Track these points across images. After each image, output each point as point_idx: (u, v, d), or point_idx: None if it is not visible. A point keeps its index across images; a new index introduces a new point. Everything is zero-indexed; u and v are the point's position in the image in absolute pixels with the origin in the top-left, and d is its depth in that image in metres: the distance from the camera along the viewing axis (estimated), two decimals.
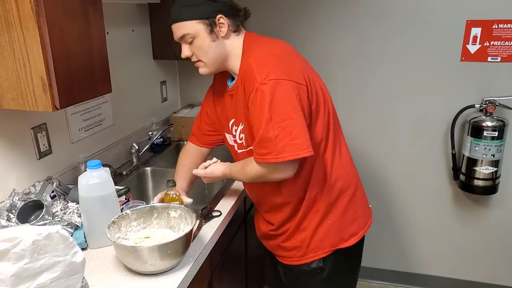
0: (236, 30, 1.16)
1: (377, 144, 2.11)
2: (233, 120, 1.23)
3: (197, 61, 1.18)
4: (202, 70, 1.19)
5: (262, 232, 1.36)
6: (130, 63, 1.80)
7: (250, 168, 1.13)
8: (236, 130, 1.23)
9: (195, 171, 1.32)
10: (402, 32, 1.91)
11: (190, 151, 1.43)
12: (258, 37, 1.20)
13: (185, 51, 1.17)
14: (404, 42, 1.92)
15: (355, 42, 1.97)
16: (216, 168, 1.28)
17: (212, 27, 1.11)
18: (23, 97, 0.99)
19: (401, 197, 2.17)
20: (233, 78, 1.21)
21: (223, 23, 1.12)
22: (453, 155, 1.97)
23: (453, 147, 1.96)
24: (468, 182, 1.94)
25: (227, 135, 1.30)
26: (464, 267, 2.19)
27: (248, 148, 1.20)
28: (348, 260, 1.28)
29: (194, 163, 1.39)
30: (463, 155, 1.93)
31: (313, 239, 1.20)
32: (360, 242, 1.27)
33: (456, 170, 1.99)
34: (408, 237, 2.23)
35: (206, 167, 1.31)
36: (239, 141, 1.23)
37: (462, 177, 1.96)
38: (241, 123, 1.19)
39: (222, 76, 1.27)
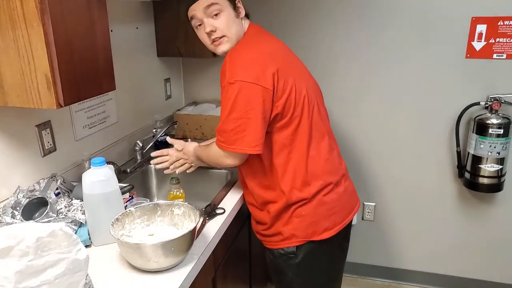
0: (247, 16, 1.27)
1: (382, 141, 2.10)
2: None
3: (220, 37, 1.22)
4: (224, 47, 1.23)
5: (253, 227, 1.46)
6: (134, 61, 1.81)
7: (211, 150, 1.28)
8: None
9: (169, 140, 1.49)
10: (406, 30, 1.89)
11: None
12: (258, 31, 1.29)
13: (208, 27, 1.20)
14: (408, 39, 1.90)
15: (360, 40, 1.96)
16: (189, 144, 1.44)
17: (235, 5, 1.23)
18: (27, 94, 1.00)
19: (405, 195, 2.16)
20: None
21: (240, 6, 1.25)
22: (458, 153, 1.96)
23: (458, 145, 1.95)
24: (473, 180, 1.93)
25: None
26: (469, 265, 2.18)
27: None
28: (323, 250, 1.31)
29: None
30: (468, 152, 1.92)
31: (287, 228, 1.27)
32: (339, 235, 1.30)
33: (461, 167, 1.98)
34: (412, 235, 2.22)
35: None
36: None
37: (467, 175, 1.95)
38: None
39: None
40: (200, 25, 1.23)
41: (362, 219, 2.26)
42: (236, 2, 1.23)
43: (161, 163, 1.48)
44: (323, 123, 1.31)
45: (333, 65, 2.03)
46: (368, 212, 2.24)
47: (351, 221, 1.36)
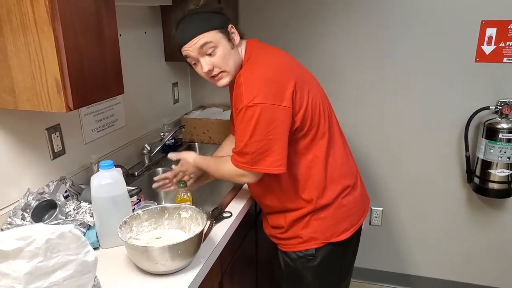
0: (242, 37, 1.24)
1: (389, 146, 2.09)
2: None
3: (218, 73, 1.20)
4: (224, 81, 1.22)
5: (265, 229, 1.45)
6: (143, 65, 1.82)
7: (224, 166, 1.25)
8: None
9: (170, 155, 1.48)
10: (415, 32, 1.89)
11: (229, 137, 1.58)
12: (258, 46, 1.26)
13: (206, 66, 1.18)
14: (417, 42, 1.90)
15: (368, 43, 1.96)
16: (188, 154, 1.43)
17: (228, 35, 1.18)
18: (38, 98, 1.01)
19: (413, 200, 2.14)
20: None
21: (234, 32, 1.20)
22: (467, 158, 1.94)
23: (467, 149, 1.93)
24: (482, 185, 1.90)
25: None
26: (478, 271, 2.15)
27: None
28: (340, 252, 1.33)
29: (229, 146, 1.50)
30: (478, 157, 1.90)
31: (306, 231, 1.27)
32: (354, 236, 1.33)
33: (470, 172, 1.96)
34: (420, 240, 2.20)
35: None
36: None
37: (476, 180, 1.93)
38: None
39: None
40: (195, 63, 1.21)
41: (370, 224, 2.25)
42: (229, 29, 1.18)
43: (164, 186, 1.52)
44: (336, 127, 1.31)
45: (340, 69, 2.03)
46: (376, 217, 2.22)
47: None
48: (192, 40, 1.15)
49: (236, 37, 1.21)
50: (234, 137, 1.44)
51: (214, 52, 1.16)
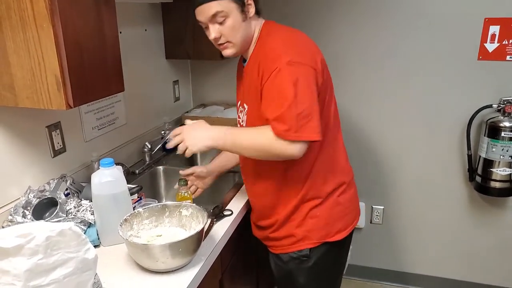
0: (258, 13, 1.19)
1: (391, 143, 2.08)
2: (239, 102, 1.30)
3: (224, 43, 1.16)
4: (229, 52, 1.17)
5: (254, 224, 1.39)
6: (143, 63, 1.82)
7: (263, 134, 1.09)
8: (241, 112, 1.28)
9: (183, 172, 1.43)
10: (417, 30, 1.87)
11: None
12: (277, 25, 1.21)
13: (213, 33, 1.13)
14: (419, 40, 1.89)
15: (370, 40, 1.95)
16: (205, 125, 1.20)
17: (242, 6, 1.13)
18: (37, 95, 1.01)
19: (414, 198, 2.13)
20: (244, 61, 1.24)
21: (251, 4, 1.15)
22: (469, 156, 1.93)
23: (469, 148, 1.92)
24: (484, 184, 1.90)
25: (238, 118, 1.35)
26: (479, 270, 2.15)
27: None
28: (335, 252, 1.29)
29: None
30: (480, 156, 1.89)
31: (301, 229, 1.23)
32: (348, 238, 1.30)
33: (472, 171, 1.95)
34: (421, 239, 2.19)
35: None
36: (242, 123, 1.27)
37: (478, 179, 1.92)
38: (245, 105, 1.23)
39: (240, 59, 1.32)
40: (206, 28, 1.17)
41: (371, 222, 2.24)
42: (246, 1, 1.14)
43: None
44: (338, 119, 1.28)
45: (342, 64, 2.01)
46: (377, 215, 2.22)
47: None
48: (205, 4, 1.10)
49: (252, 9, 1.15)
50: None
51: (224, 22, 1.12)
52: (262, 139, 1.10)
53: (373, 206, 2.20)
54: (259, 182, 1.27)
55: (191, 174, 1.45)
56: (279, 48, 1.09)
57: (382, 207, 2.20)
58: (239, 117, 1.32)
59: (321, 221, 1.23)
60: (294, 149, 1.06)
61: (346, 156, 1.32)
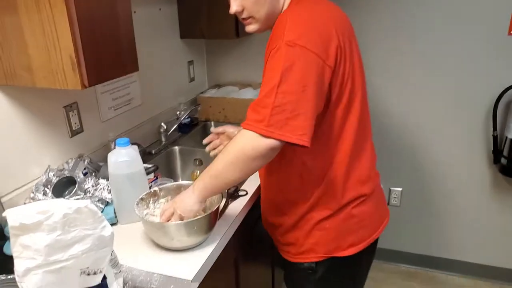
0: None
1: (411, 123, 2.03)
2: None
3: (247, 18, 1.04)
4: (251, 27, 1.06)
5: (263, 216, 1.27)
6: (157, 43, 1.81)
7: (230, 143, 0.95)
8: None
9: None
10: (444, 3, 1.78)
11: None
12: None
13: (235, 6, 1.03)
14: (446, 13, 1.79)
15: (395, 14, 1.87)
16: (182, 195, 1.04)
17: None
18: (53, 75, 1.02)
19: (434, 180, 2.09)
20: None
21: None
22: (494, 137, 1.87)
23: (494, 129, 1.85)
24: (510, 166, 1.83)
25: None
26: (503, 255, 2.11)
27: None
28: (345, 268, 1.14)
29: None
30: (506, 137, 1.82)
31: (307, 241, 1.10)
32: (364, 252, 1.12)
33: (496, 153, 1.89)
34: (440, 222, 2.16)
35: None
36: None
37: (503, 161, 1.86)
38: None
39: None
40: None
41: (388, 204, 2.22)
42: None
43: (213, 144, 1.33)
44: (368, 120, 1.11)
45: (364, 41, 1.95)
46: (395, 197, 2.19)
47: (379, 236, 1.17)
48: None
49: None
50: None
51: None
52: (232, 148, 0.93)
53: (391, 188, 2.18)
54: (271, 176, 1.14)
55: (222, 133, 1.31)
56: (287, 24, 0.93)
57: (401, 189, 2.17)
58: None
59: (330, 234, 1.08)
60: (263, 145, 0.88)
61: (372, 165, 1.14)
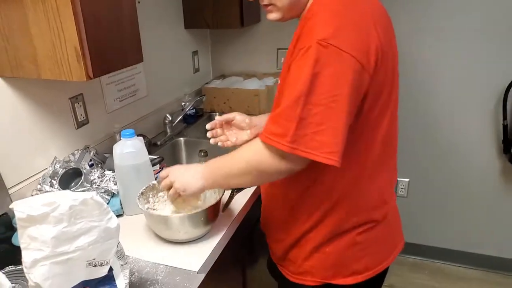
0: None
1: (418, 112, 2.00)
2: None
3: (268, 5, 0.91)
4: (272, 16, 0.92)
5: (264, 228, 1.16)
6: (162, 33, 1.80)
7: (247, 150, 0.87)
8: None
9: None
10: None
11: None
12: None
13: None
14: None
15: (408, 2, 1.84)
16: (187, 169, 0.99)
17: None
18: (58, 67, 1.01)
19: (442, 171, 2.07)
20: None
21: None
22: (504, 127, 1.84)
23: (504, 118, 1.82)
24: None
25: None
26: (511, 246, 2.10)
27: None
28: None
29: None
30: None
31: (305, 262, 0.99)
32: (368, 282, 0.99)
33: (507, 142, 1.86)
34: (448, 213, 2.15)
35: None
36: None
37: None
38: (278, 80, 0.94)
39: None
40: None
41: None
42: None
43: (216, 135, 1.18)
44: (395, 134, 0.95)
45: None
46: (402, 188, 2.18)
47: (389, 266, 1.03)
48: None
49: None
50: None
51: None
52: (248, 158, 0.85)
53: (398, 179, 2.16)
54: (276, 188, 1.02)
55: (231, 120, 1.16)
56: (318, 18, 0.78)
57: (408, 180, 2.16)
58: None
59: (330, 259, 0.97)
60: (283, 163, 0.80)
61: (391, 187, 1.01)
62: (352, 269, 0.97)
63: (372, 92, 0.82)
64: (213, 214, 1.06)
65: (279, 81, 0.92)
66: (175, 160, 1.78)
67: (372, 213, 0.95)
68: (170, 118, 1.76)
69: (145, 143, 1.23)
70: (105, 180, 1.20)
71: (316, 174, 0.89)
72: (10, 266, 0.91)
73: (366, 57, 0.77)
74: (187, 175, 0.98)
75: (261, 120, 1.17)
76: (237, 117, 1.16)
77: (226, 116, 1.16)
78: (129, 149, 1.13)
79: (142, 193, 1.10)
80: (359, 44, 0.77)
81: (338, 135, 0.76)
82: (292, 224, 0.99)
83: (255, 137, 1.11)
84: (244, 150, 0.88)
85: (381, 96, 0.85)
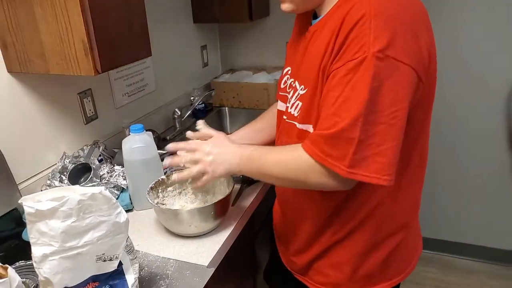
0: None
1: None
2: (288, 74, 0.93)
3: None
4: (284, 6, 0.84)
5: (283, 243, 1.07)
6: (171, 28, 1.78)
7: (294, 160, 0.80)
8: (290, 92, 0.89)
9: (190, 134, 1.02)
10: None
11: (274, 105, 1.12)
12: None
13: None
14: None
15: None
16: (230, 141, 0.93)
17: None
18: (66, 61, 1.01)
19: (450, 164, 2.04)
20: (316, 17, 0.85)
21: None
22: None
23: None
24: None
25: (280, 93, 0.97)
26: None
27: (301, 126, 0.84)
28: None
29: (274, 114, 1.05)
30: None
31: (333, 273, 0.94)
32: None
33: None
34: (455, 206, 2.12)
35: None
36: (290, 110, 0.88)
37: None
38: (298, 84, 0.85)
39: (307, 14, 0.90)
40: None
41: None
42: None
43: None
44: (425, 156, 0.91)
45: None
46: None
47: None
48: None
49: None
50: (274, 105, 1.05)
51: None
52: (294, 168, 0.80)
53: None
54: (305, 202, 0.93)
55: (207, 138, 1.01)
56: (373, 23, 0.68)
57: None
58: (285, 99, 0.92)
59: (361, 269, 0.92)
60: (336, 184, 0.76)
61: (420, 191, 0.96)
62: (383, 277, 0.93)
63: (422, 100, 0.77)
64: (223, 208, 1.05)
65: (300, 87, 0.83)
66: None
67: (405, 219, 0.91)
68: (179, 113, 1.76)
69: (154, 138, 1.22)
70: (114, 175, 1.20)
71: (352, 189, 0.81)
72: (20, 261, 0.92)
73: (422, 65, 0.72)
74: (225, 156, 0.89)
75: (239, 136, 1.10)
76: (214, 135, 1.00)
77: (200, 135, 1.04)
78: (138, 144, 1.13)
79: (151, 188, 1.10)
80: (415, 51, 0.71)
81: (395, 154, 0.71)
82: (322, 236, 0.92)
83: None
84: (291, 159, 0.81)
85: (429, 101, 0.82)
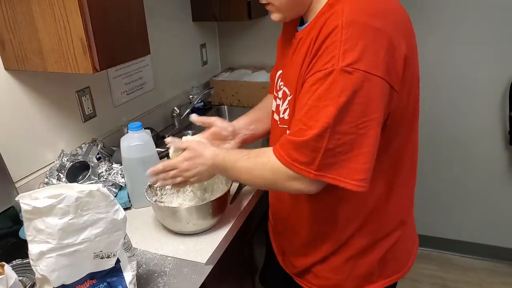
0: None
1: (425, 103, 1.95)
2: (280, 77, 0.93)
3: (267, 4, 0.85)
4: (273, 16, 0.86)
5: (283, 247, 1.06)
6: (169, 25, 1.78)
7: (264, 163, 0.81)
8: (282, 98, 0.90)
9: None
10: None
11: (268, 96, 1.15)
12: None
13: None
14: None
15: None
16: (202, 146, 0.95)
17: None
18: (65, 59, 1.01)
19: (449, 161, 2.04)
20: (303, 23, 0.86)
21: None
22: (511, 118, 1.81)
23: (511, 109, 1.79)
24: None
25: (274, 93, 0.97)
26: None
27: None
28: None
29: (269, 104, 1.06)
30: None
31: (334, 276, 0.94)
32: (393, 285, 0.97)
33: None
34: (454, 204, 2.12)
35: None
36: (283, 115, 0.89)
37: None
38: (287, 89, 0.87)
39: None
40: None
41: None
42: None
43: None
44: (415, 165, 0.94)
45: None
46: None
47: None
48: None
49: None
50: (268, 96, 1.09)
51: None
52: (261, 174, 0.82)
53: None
54: (301, 203, 0.93)
55: (210, 125, 1.07)
56: (344, 35, 0.68)
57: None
58: (277, 101, 0.93)
59: (360, 269, 0.93)
60: (301, 184, 0.77)
61: (413, 189, 1.00)
62: (381, 275, 0.94)
63: (398, 108, 0.77)
64: (221, 206, 1.05)
65: (289, 92, 0.86)
66: None
67: (401, 217, 0.93)
68: (178, 111, 1.76)
69: (153, 136, 1.22)
70: (112, 173, 1.20)
71: (343, 192, 0.78)
72: (17, 260, 0.92)
73: (394, 74, 0.71)
74: (196, 170, 0.94)
75: (243, 123, 1.10)
76: (218, 123, 1.06)
77: (204, 119, 1.09)
78: (136, 142, 1.13)
79: (149, 185, 1.10)
80: (387, 61, 0.69)
81: (368, 161, 0.72)
82: (321, 241, 0.93)
83: (239, 146, 1.08)
84: (259, 165, 0.83)
85: (413, 109, 0.83)
